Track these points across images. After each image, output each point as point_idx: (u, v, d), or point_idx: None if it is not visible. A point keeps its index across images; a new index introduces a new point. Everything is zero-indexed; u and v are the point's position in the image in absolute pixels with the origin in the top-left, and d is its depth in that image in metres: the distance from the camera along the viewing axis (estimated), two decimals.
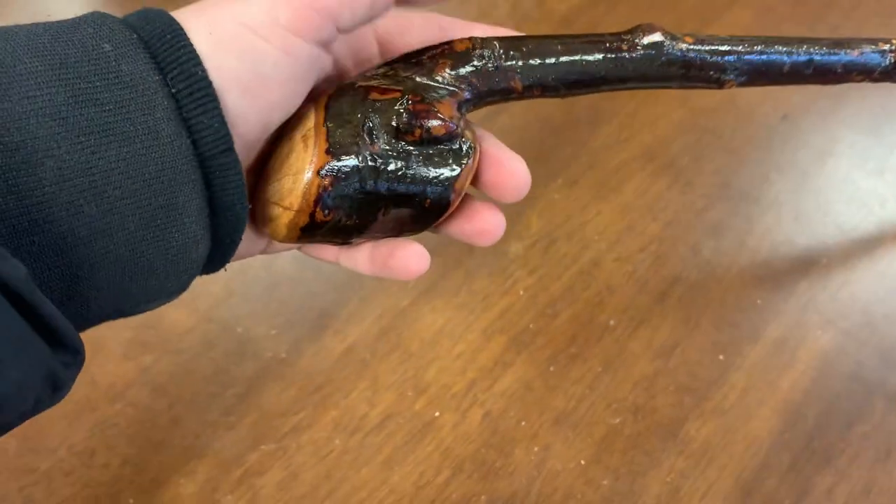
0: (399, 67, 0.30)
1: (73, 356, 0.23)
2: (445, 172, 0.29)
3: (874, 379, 0.49)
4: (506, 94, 0.32)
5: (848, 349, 0.50)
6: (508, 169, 0.30)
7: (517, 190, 0.31)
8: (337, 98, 0.29)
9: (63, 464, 0.44)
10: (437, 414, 0.47)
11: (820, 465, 0.46)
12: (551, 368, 0.48)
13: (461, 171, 0.29)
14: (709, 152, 0.57)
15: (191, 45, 0.24)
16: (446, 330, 0.49)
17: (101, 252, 0.23)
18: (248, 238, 0.30)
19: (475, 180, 0.31)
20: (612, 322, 0.50)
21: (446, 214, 0.30)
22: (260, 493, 0.44)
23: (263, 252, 0.33)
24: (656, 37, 0.32)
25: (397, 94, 0.29)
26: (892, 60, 0.37)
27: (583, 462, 0.46)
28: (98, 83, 0.23)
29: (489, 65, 0.31)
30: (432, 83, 0.30)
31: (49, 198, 0.22)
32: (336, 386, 0.47)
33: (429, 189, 0.29)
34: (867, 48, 0.36)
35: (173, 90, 0.24)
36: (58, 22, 0.24)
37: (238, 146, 0.26)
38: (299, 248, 0.33)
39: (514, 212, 0.54)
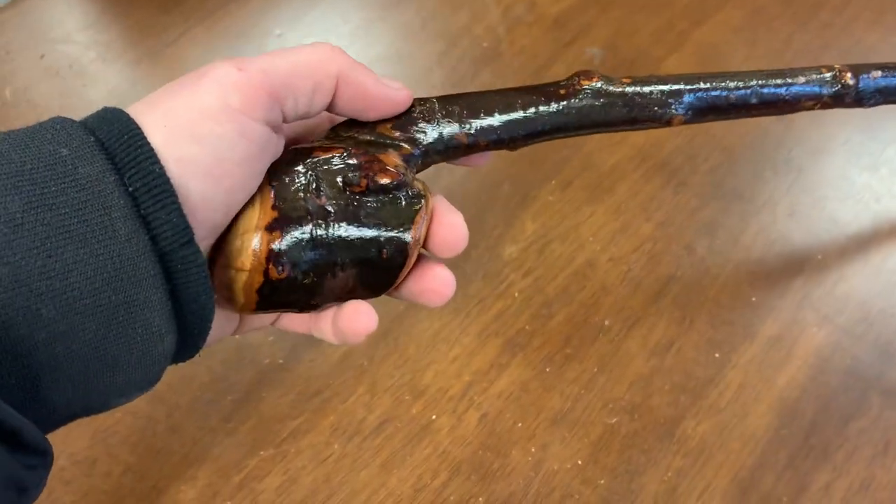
0: (341, 129, 0.31)
1: (40, 458, 0.23)
2: (398, 221, 0.29)
3: (871, 374, 0.49)
4: (451, 151, 0.32)
5: (844, 345, 0.50)
6: (446, 222, 0.30)
7: (454, 246, 0.31)
8: (281, 162, 0.29)
9: (64, 473, 0.44)
10: (434, 417, 0.47)
11: (817, 462, 0.47)
12: (547, 369, 0.49)
13: (414, 217, 0.29)
14: (702, 152, 0.57)
15: (147, 143, 0.24)
16: (442, 334, 0.50)
17: (62, 353, 0.23)
18: (218, 321, 0.30)
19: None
20: (607, 322, 0.50)
21: (407, 267, 0.30)
22: (259, 498, 0.44)
23: (237, 332, 0.33)
24: (595, 82, 0.32)
25: (340, 150, 0.29)
26: (839, 86, 0.37)
27: (580, 462, 0.46)
28: (54, 187, 0.23)
29: (430, 122, 0.31)
30: (375, 139, 0.30)
31: (4, 303, 0.22)
32: (334, 391, 0.47)
33: (383, 239, 0.29)
34: (812, 76, 0.36)
35: (131, 188, 0.24)
36: (19, 130, 0.24)
37: (204, 231, 0.26)
38: (273, 325, 0.34)
39: (509, 215, 0.54)
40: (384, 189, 0.29)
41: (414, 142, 0.31)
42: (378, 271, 0.29)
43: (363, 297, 0.30)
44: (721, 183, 0.56)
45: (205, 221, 0.26)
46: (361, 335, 0.30)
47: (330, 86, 0.29)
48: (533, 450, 0.46)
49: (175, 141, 0.25)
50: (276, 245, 0.27)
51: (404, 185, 0.29)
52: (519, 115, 0.32)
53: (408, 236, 0.29)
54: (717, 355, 0.49)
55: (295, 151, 0.29)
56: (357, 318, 0.30)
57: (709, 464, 0.46)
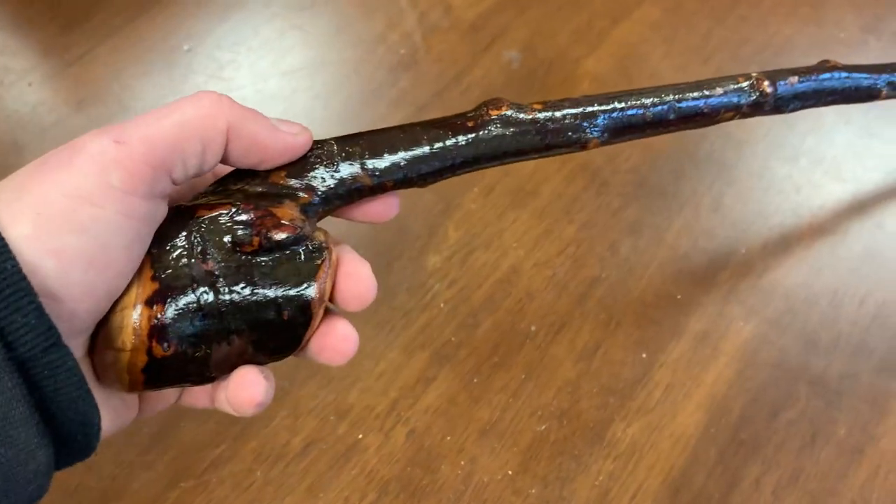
0: (229, 181, 0.28)
1: None
2: (298, 278, 0.27)
3: (797, 365, 0.49)
4: (354, 194, 0.29)
5: (771, 337, 0.50)
6: (353, 274, 0.28)
7: (362, 298, 0.29)
8: (162, 225, 0.26)
9: None
10: (360, 436, 0.46)
11: (747, 457, 0.47)
12: (475, 380, 0.48)
13: (316, 273, 0.27)
14: (623, 151, 0.57)
15: (1, 240, 0.22)
16: (367, 350, 0.49)
17: None
18: (117, 409, 0.28)
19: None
20: (533, 328, 0.50)
21: (312, 326, 0.27)
22: None
23: (140, 415, 0.30)
24: (504, 111, 0.31)
25: (228, 206, 0.27)
26: (757, 94, 0.36)
27: (510, 472, 0.45)
28: None
29: (329, 166, 0.29)
30: (268, 190, 0.28)
31: None
32: (255, 416, 0.46)
33: (282, 299, 0.26)
34: (730, 86, 0.35)
35: None
36: None
37: (86, 323, 0.24)
38: (177, 403, 0.31)
39: (432, 224, 0.53)
40: (280, 245, 0.26)
41: (312, 189, 0.28)
42: (280, 334, 0.27)
43: (266, 363, 0.28)
44: (643, 181, 0.56)
45: (88, 312, 0.24)
46: (249, 408, 0.27)
47: (220, 142, 0.26)
48: (462, 463, 0.45)
49: (49, 231, 0.23)
50: (158, 320, 0.25)
51: (303, 238, 0.27)
52: (425, 150, 0.30)
53: (310, 293, 0.27)
54: (644, 355, 0.49)
55: (177, 211, 0.27)
56: (242, 388, 0.27)
57: (640, 465, 0.46)
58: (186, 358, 0.26)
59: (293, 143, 0.28)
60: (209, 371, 0.27)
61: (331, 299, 0.29)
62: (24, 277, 0.22)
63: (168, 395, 0.31)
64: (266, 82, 0.58)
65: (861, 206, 0.56)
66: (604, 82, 0.60)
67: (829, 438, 0.47)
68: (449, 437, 0.46)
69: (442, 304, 0.50)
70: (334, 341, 0.28)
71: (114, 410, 0.27)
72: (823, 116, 0.60)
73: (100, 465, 0.44)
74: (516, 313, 0.50)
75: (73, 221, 0.23)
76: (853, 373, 0.50)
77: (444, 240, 0.53)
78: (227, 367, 0.27)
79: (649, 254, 0.53)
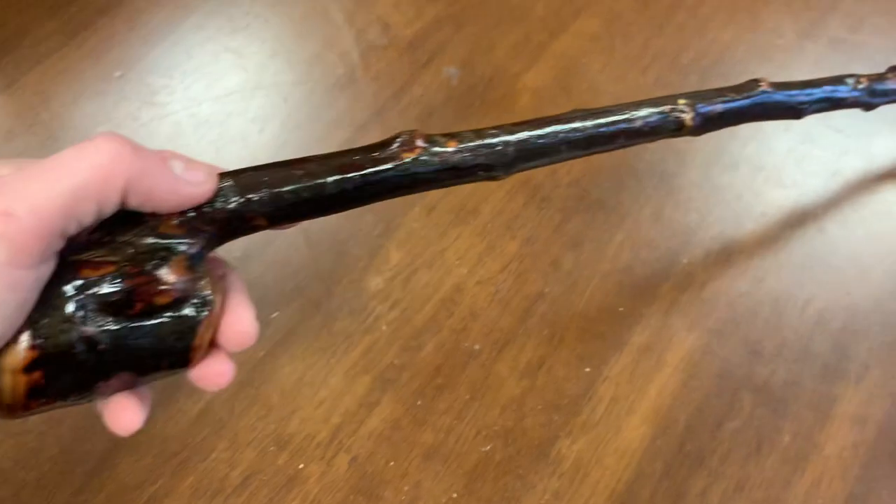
0: (117, 231, 0.27)
1: None
2: (179, 335, 0.27)
3: (741, 374, 0.50)
4: (252, 230, 0.29)
5: (714, 347, 0.50)
6: (235, 321, 0.29)
7: (242, 343, 0.29)
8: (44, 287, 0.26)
9: None
10: (301, 466, 0.45)
11: (693, 468, 0.46)
12: (418, 402, 0.47)
13: (197, 328, 0.27)
14: (564, 165, 0.57)
15: None
16: (307, 377, 0.48)
17: None
18: None
19: None
20: (477, 347, 0.49)
21: (192, 368, 0.28)
22: None
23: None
24: (417, 154, 0.30)
25: (111, 269, 0.26)
26: (677, 124, 0.37)
27: (455, 495, 0.45)
28: None
29: (224, 207, 0.28)
30: (157, 242, 0.27)
31: None
32: (193, 450, 0.45)
33: (164, 351, 0.27)
34: (651, 112, 0.36)
35: None
36: None
37: None
38: None
39: (373, 245, 0.53)
40: (162, 308, 0.27)
41: (203, 233, 0.28)
42: (159, 375, 0.28)
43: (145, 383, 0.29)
44: (584, 195, 0.56)
45: None
46: (127, 432, 0.28)
47: (117, 199, 0.25)
48: (406, 488, 0.45)
49: None
50: (36, 386, 0.25)
51: (187, 297, 0.27)
52: (331, 189, 0.29)
53: (189, 345, 0.27)
54: (587, 370, 0.49)
55: (61, 266, 0.26)
56: (122, 415, 0.28)
57: (585, 482, 0.46)
58: (65, 401, 0.27)
59: (192, 195, 0.27)
60: (89, 399, 0.28)
61: (214, 339, 0.29)
62: None
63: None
64: (200, 107, 0.58)
65: (802, 212, 0.57)
66: (543, 96, 0.60)
67: (773, 446, 0.47)
68: (392, 463, 0.45)
69: (384, 327, 0.50)
70: (210, 373, 0.29)
71: None
72: (763, 124, 0.60)
73: None
74: (460, 332, 0.50)
75: None
76: (797, 380, 0.50)
77: (386, 261, 0.52)
78: (108, 395, 0.28)
79: (591, 267, 0.53)
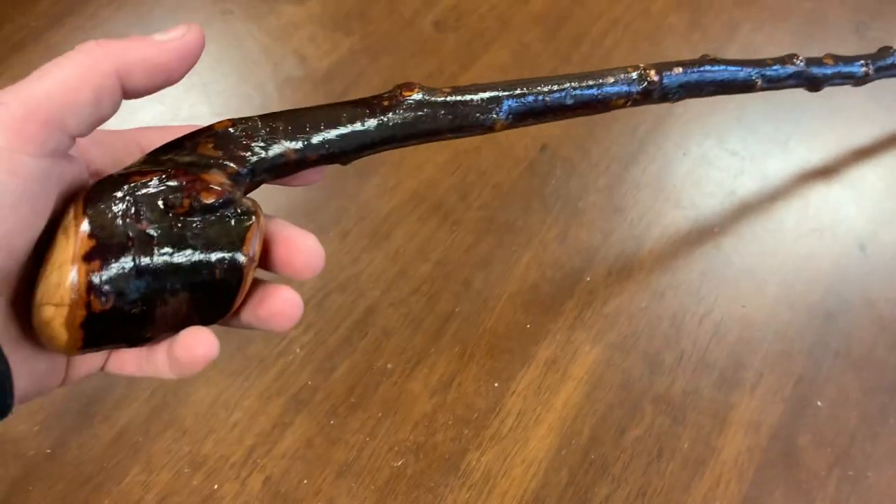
0: (158, 154, 0.29)
1: None
2: (228, 240, 0.28)
3: (642, 385, 0.52)
4: (279, 168, 0.31)
5: (616, 360, 0.53)
6: (299, 245, 0.30)
7: (312, 266, 0.30)
8: (95, 189, 0.27)
9: None
10: (216, 486, 0.46)
11: (597, 476, 0.49)
12: (332, 422, 0.49)
13: (245, 235, 0.28)
14: (474, 190, 0.59)
15: None
16: (221, 400, 0.49)
17: None
18: (38, 372, 0.28)
19: (267, 262, 0.30)
20: (389, 366, 0.51)
21: (243, 288, 0.28)
22: None
23: (63, 383, 0.30)
24: (416, 93, 0.33)
25: (159, 173, 0.28)
26: (646, 83, 0.40)
27: None
28: None
29: (254, 140, 0.30)
30: (196, 160, 0.29)
31: None
32: (108, 474, 0.46)
33: (214, 260, 0.27)
34: (620, 76, 0.39)
35: None
36: None
37: None
38: (103, 370, 0.31)
39: None
40: (210, 208, 0.27)
41: (239, 160, 0.29)
42: (213, 295, 0.28)
43: (202, 324, 0.29)
44: (493, 218, 0.58)
45: None
46: (200, 363, 0.28)
47: (112, 84, 0.27)
48: None
49: None
50: (96, 276, 0.26)
51: (231, 202, 0.28)
52: (346, 129, 0.31)
53: (241, 256, 0.28)
54: (496, 384, 0.51)
55: (110, 179, 0.28)
56: (195, 344, 0.28)
57: (493, 493, 0.47)
58: (124, 315, 0.26)
59: (187, 46, 0.28)
60: (145, 331, 0.27)
61: (275, 268, 0.30)
62: None
63: (94, 361, 0.31)
64: None
65: (700, 230, 0.60)
66: None
67: (674, 453, 0.50)
68: (306, 481, 0.47)
69: (298, 349, 0.51)
70: (283, 305, 0.29)
71: (36, 373, 0.27)
72: (664, 149, 0.64)
73: None
74: (373, 352, 0.52)
75: None
76: (695, 388, 0.52)
77: (300, 285, 0.54)
78: (164, 328, 0.28)
79: (500, 286, 0.55)
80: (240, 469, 0.47)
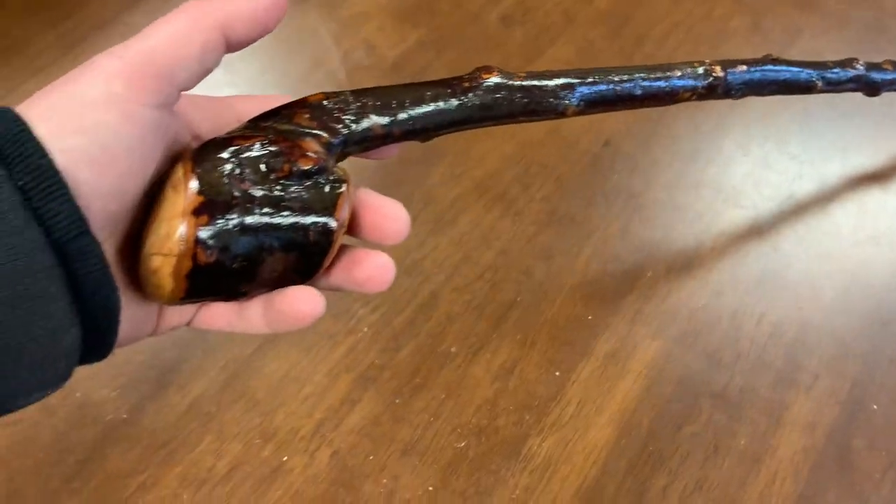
0: (258, 120, 0.31)
1: None
2: (322, 204, 0.29)
3: (700, 381, 0.53)
4: (367, 141, 0.33)
5: (675, 355, 0.54)
6: (387, 212, 0.31)
7: (398, 232, 0.32)
8: (203, 148, 0.29)
9: None
10: (285, 458, 0.47)
11: (655, 468, 0.49)
12: (397, 401, 0.50)
13: (336, 201, 0.30)
14: (537, 181, 0.60)
15: (34, 138, 0.24)
16: (292, 374, 0.50)
17: None
18: (135, 318, 0.30)
19: (355, 229, 0.31)
20: (453, 350, 0.52)
21: (333, 250, 0.30)
22: None
23: (154, 332, 0.32)
24: (494, 75, 0.34)
25: (261, 138, 0.30)
26: (711, 79, 0.41)
27: (431, 488, 0.47)
28: None
29: (346, 113, 0.32)
30: (293, 129, 0.31)
31: None
32: (181, 441, 0.47)
33: (309, 222, 0.29)
34: (687, 70, 0.40)
35: (20, 183, 0.24)
36: None
37: (100, 221, 0.26)
38: (189, 325, 0.33)
39: None
40: (306, 174, 0.29)
41: (331, 131, 0.31)
42: (305, 255, 0.30)
43: (289, 284, 0.30)
44: (555, 210, 0.59)
45: (99, 212, 0.26)
46: (307, 319, 0.30)
47: (216, 38, 0.28)
48: (385, 481, 0.47)
49: (60, 132, 0.25)
50: (203, 229, 0.27)
51: (325, 170, 0.29)
52: (428, 106, 0.33)
53: (332, 220, 0.29)
54: (557, 373, 0.52)
55: (215, 141, 0.29)
56: (302, 301, 0.29)
57: (554, 478, 0.48)
58: (226, 269, 0.28)
59: (270, 3, 0.30)
60: (242, 286, 0.29)
61: (362, 234, 0.31)
62: (58, 172, 0.24)
63: (184, 314, 0.32)
64: None
65: (759, 232, 0.61)
66: None
67: (730, 449, 0.51)
68: (372, 457, 0.48)
69: (366, 329, 0.52)
70: (376, 270, 0.31)
71: (133, 319, 0.29)
72: (724, 149, 0.64)
73: (24, 493, 0.45)
74: (437, 336, 0.53)
75: (79, 125, 0.25)
76: (752, 387, 0.53)
77: None
78: (259, 285, 0.29)
79: (561, 278, 0.56)
80: (309, 442, 0.48)
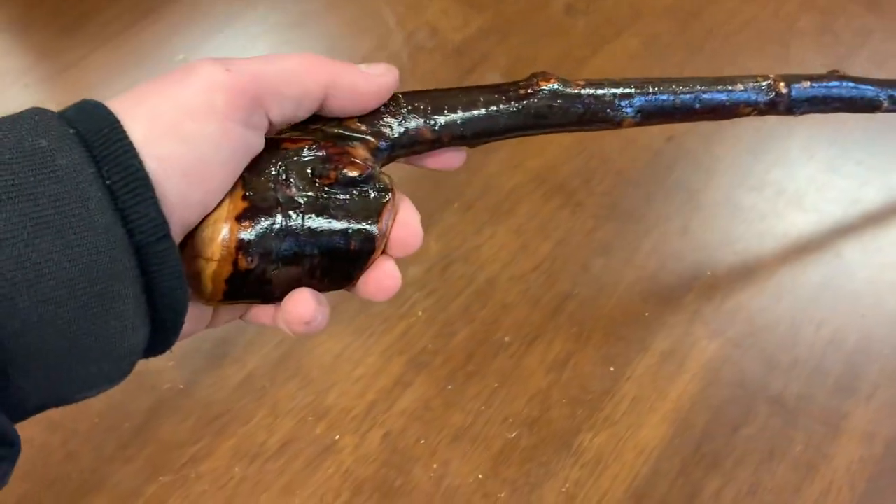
0: (308, 121, 0.31)
1: (8, 448, 0.23)
2: (366, 213, 0.29)
3: (757, 384, 0.52)
4: (416, 146, 0.32)
5: (733, 357, 0.53)
6: (412, 229, 0.31)
7: (414, 247, 0.32)
8: None
9: None
10: (337, 437, 0.47)
11: (708, 469, 0.49)
12: (449, 387, 0.50)
13: (381, 210, 0.29)
14: (597, 175, 0.59)
15: (126, 138, 0.24)
16: (345, 354, 0.50)
17: (35, 343, 0.23)
18: (192, 315, 0.30)
19: None
20: (507, 339, 0.52)
21: (373, 259, 0.30)
22: None
23: (209, 326, 0.33)
24: (552, 83, 0.33)
25: (309, 142, 0.29)
26: (774, 94, 0.39)
27: (480, 476, 0.47)
28: (32, 178, 0.23)
29: (396, 116, 0.31)
30: (343, 132, 0.30)
31: None
32: (234, 414, 0.47)
33: (352, 231, 0.29)
34: (750, 84, 0.38)
35: (108, 182, 0.24)
36: None
37: (177, 229, 0.26)
38: (241, 318, 0.33)
39: None
40: (353, 181, 0.29)
41: (380, 135, 0.31)
42: (345, 263, 0.30)
43: (326, 290, 0.30)
44: (616, 204, 0.58)
45: (179, 220, 0.26)
46: (300, 326, 0.30)
47: (318, 93, 0.29)
48: (435, 466, 0.47)
49: (157, 138, 0.25)
50: (245, 235, 0.27)
51: (372, 177, 0.29)
52: (481, 112, 0.32)
53: (375, 229, 0.29)
54: (611, 369, 0.51)
55: (264, 143, 0.29)
56: (295, 305, 0.29)
57: (605, 474, 0.48)
58: (264, 275, 0.28)
59: (385, 84, 0.30)
60: (278, 291, 0.29)
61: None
62: (146, 175, 0.24)
63: (237, 309, 0.33)
64: None
65: (821, 237, 0.59)
66: None
67: (785, 455, 0.50)
68: (423, 441, 0.48)
69: (420, 313, 0.52)
70: (382, 276, 0.31)
71: (192, 316, 0.29)
72: (789, 151, 0.63)
73: (80, 456, 0.45)
74: (491, 324, 0.52)
75: (178, 132, 0.25)
76: (809, 394, 0.52)
77: (425, 252, 0.55)
78: (293, 289, 0.29)
79: (619, 273, 0.55)
80: (360, 422, 0.48)
